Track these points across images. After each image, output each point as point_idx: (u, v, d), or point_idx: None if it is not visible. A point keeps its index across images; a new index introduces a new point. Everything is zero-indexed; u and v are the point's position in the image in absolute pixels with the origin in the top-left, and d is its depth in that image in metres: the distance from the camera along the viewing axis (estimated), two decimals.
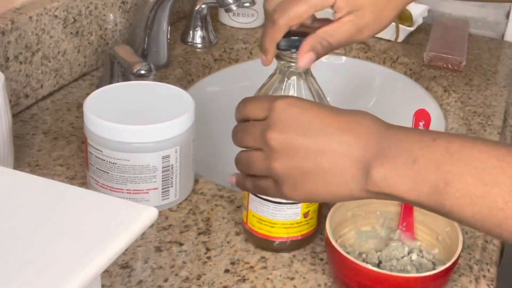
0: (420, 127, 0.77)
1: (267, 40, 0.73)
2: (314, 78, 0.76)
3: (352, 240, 0.78)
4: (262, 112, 0.65)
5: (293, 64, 0.72)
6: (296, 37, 0.72)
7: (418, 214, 0.77)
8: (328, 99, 0.78)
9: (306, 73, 0.74)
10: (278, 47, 0.72)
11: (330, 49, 0.75)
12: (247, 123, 0.67)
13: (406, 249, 0.76)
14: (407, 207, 0.77)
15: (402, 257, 0.75)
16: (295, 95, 0.72)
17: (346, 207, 0.77)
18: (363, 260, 0.75)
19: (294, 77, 0.73)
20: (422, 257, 0.75)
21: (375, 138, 0.62)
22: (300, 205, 0.76)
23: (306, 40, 0.72)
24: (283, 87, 0.72)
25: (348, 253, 0.71)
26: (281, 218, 0.76)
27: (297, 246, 0.79)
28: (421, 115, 0.78)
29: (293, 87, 0.73)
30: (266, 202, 0.76)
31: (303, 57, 0.72)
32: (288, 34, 0.73)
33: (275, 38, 0.72)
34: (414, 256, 0.75)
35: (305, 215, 0.77)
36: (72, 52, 1.07)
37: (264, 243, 0.78)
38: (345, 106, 1.33)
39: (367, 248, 0.78)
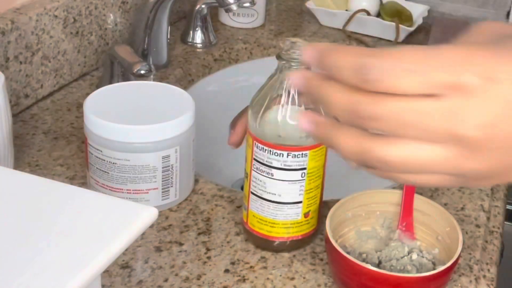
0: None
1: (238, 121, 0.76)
2: None
3: (352, 240, 0.78)
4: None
5: (293, 64, 0.71)
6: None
7: (418, 214, 0.77)
8: None
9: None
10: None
11: None
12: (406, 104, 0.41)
13: (406, 249, 0.76)
14: (407, 207, 0.77)
15: (402, 257, 0.75)
16: (296, 96, 0.72)
17: (346, 207, 0.77)
18: (363, 260, 0.75)
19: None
20: (422, 257, 0.75)
21: None
22: (301, 205, 0.76)
23: None
24: (284, 87, 0.72)
25: (348, 253, 0.71)
26: (282, 218, 0.76)
27: (297, 246, 0.79)
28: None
29: (296, 92, 0.72)
30: (267, 202, 0.76)
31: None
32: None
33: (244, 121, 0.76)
34: (414, 256, 0.75)
35: (306, 215, 0.77)
36: (72, 52, 1.07)
37: (264, 243, 0.78)
38: None
39: (367, 248, 0.78)
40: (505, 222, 0.94)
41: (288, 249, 0.78)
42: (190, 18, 1.25)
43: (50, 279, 0.50)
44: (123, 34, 1.16)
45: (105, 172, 0.80)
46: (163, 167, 0.80)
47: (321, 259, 0.78)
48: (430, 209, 0.77)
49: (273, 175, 0.74)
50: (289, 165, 0.74)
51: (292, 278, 0.75)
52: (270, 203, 0.76)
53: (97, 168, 0.81)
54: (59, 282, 0.50)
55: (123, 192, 0.81)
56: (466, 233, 0.83)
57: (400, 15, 1.33)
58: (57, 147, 0.94)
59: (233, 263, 0.76)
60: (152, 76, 0.97)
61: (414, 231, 0.77)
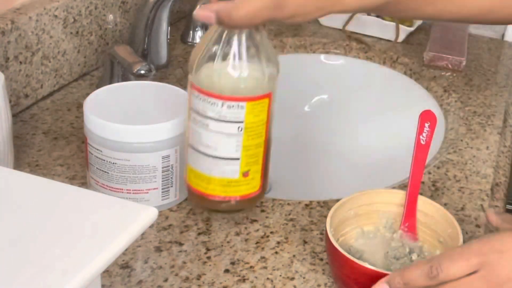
0: (425, 128, 0.77)
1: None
2: (264, 36, 0.73)
3: (353, 239, 0.78)
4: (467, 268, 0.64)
5: None
6: None
7: (421, 215, 0.77)
8: (279, 63, 0.75)
9: (251, 30, 0.71)
10: None
11: (230, 22, 0.68)
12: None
13: (407, 249, 0.76)
14: (410, 208, 0.77)
15: (402, 257, 0.75)
16: (235, 49, 0.70)
17: (349, 206, 0.77)
18: (363, 260, 0.75)
19: (236, 31, 0.71)
20: (423, 257, 0.75)
21: None
22: (238, 162, 0.74)
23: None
24: (222, 40, 0.70)
25: (348, 252, 0.71)
26: (218, 174, 0.74)
27: (237, 207, 0.77)
28: (427, 117, 0.78)
29: (236, 41, 0.70)
30: (203, 156, 0.73)
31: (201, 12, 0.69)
32: None
33: None
34: (414, 257, 0.75)
35: (245, 174, 0.75)
36: (72, 52, 1.07)
37: (202, 201, 0.76)
38: (345, 106, 1.34)
39: (369, 247, 0.78)
40: None
41: (226, 210, 0.76)
42: (190, 18, 1.26)
43: (50, 279, 0.50)
44: (123, 34, 1.16)
45: (105, 172, 0.80)
46: (163, 167, 0.80)
47: (321, 259, 0.78)
48: (432, 210, 0.77)
49: (208, 126, 0.73)
50: (224, 116, 0.72)
51: (292, 278, 0.75)
52: (205, 156, 0.74)
53: (97, 168, 0.81)
54: (59, 282, 0.50)
55: (123, 192, 0.81)
56: (466, 233, 0.83)
57: None
58: (57, 147, 0.94)
59: (233, 263, 0.76)
60: (152, 76, 0.97)
61: (417, 232, 0.77)
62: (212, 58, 0.71)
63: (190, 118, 0.74)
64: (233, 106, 0.71)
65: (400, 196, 0.78)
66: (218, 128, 0.72)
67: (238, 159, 0.74)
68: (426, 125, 0.77)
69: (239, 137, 0.73)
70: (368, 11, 0.79)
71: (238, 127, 0.72)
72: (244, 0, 0.67)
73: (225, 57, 0.71)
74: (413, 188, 0.76)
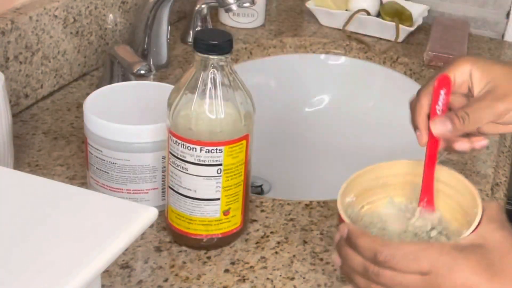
0: (441, 96, 0.74)
1: (419, 119, 0.74)
2: (235, 73, 0.74)
3: (381, 208, 0.76)
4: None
5: (211, 57, 0.71)
6: (216, 42, 0.71)
7: (442, 185, 0.74)
8: (251, 98, 0.75)
9: (225, 67, 0.72)
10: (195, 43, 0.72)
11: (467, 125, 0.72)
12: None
13: (429, 227, 0.73)
14: (427, 181, 0.73)
15: (421, 234, 0.73)
16: (212, 87, 0.71)
17: (376, 174, 0.74)
18: (385, 230, 0.73)
19: (213, 70, 0.72)
20: (442, 233, 0.73)
21: None
22: (219, 202, 0.75)
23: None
24: (199, 81, 0.71)
25: (371, 219, 0.70)
26: (199, 214, 0.75)
27: (218, 244, 0.78)
28: (442, 83, 0.74)
29: (211, 80, 0.72)
30: (183, 197, 0.75)
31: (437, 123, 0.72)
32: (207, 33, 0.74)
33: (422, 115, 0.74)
34: (433, 233, 0.73)
35: (225, 212, 0.76)
36: (72, 52, 1.07)
37: (184, 239, 0.77)
38: (345, 106, 1.34)
39: (393, 219, 0.75)
40: None
41: (206, 247, 0.77)
42: (190, 18, 1.25)
43: (50, 279, 0.50)
44: (123, 34, 1.16)
45: (105, 172, 0.80)
46: (163, 167, 0.80)
47: (321, 259, 0.78)
48: (453, 180, 0.74)
49: (187, 170, 0.74)
50: (203, 160, 0.73)
51: (292, 278, 0.75)
52: (186, 198, 0.75)
53: (97, 168, 0.81)
54: (59, 282, 0.50)
55: (123, 192, 0.81)
56: None
57: (400, 15, 1.33)
58: (57, 147, 0.94)
59: (233, 263, 0.76)
60: (152, 76, 0.97)
61: (434, 204, 0.74)
62: (188, 103, 0.72)
63: (169, 162, 0.75)
64: (211, 150, 0.72)
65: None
66: (197, 171, 0.74)
67: (218, 199, 0.75)
68: (442, 92, 0.73)
69: (218, 179, 0.74)
70: None
71: (217, 170, 0.73)
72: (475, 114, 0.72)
73: (201, 101, 0.72)
74: (429, 160, 0.73)
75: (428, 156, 0.73)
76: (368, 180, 0.74)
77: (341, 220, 0.69)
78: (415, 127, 0.74)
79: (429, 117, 0.73)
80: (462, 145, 0.75)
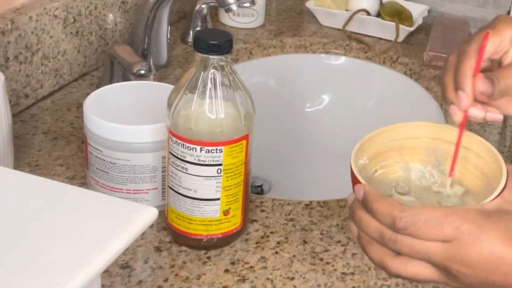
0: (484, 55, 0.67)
1: (467, 80, 0.67)
2: (235, 73, 0.74)
3: (396, 173, 0.72)
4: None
5: (211, 57, 0.71)
6: (216, 42, 0.71)
7: (462, 150, 0.70)
8: (251, 97, 0.75)
9: (225, 67, 0.72)
10: (196, 42, 0.72)
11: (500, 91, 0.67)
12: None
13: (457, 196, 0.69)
14: (456, 154, 0.69)
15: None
16: (212, 87, 0.71)
17: (391, 135, 0.70)
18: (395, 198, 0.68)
19: (213, 70, 0.72)
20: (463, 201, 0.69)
21: None
22: (219, 202, 0.75)
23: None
24: (199, 81, 0.72)
25: (386, 185, 0.66)
26: (199, 214, 0.76)
27: (217, 245, 0.78)
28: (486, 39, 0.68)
29: (211, 80, 0.72)
30: (183, 197, 0.75)
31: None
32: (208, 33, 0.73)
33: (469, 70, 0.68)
34: (454, 200, 0.69)
35: (225, 212, 0.76)
36: (72, 52, 1.07)
37: (184, 239, 0.77)
38: (345, 106, 1.34)
39: (409, 188, 0.71)
40: None
41: (206, 247, 0.77)
42: (190, 18, 1.25)
43: (50, 279, 0.50)
44: (123, 34, 1.16)
45: (105, 172, 0.80)
46: (163, 167, 0.80)
47: (321, 259, 0.78)
48: (474, 144, 0.70)
49: (187, 170, 0.74)
50: (203, 160, 0.73)
51: (292, 278, 0.75)
52: (186, 198, 0.75)
53: (97, 168, 0.81)
54: (59, 282, 0.50)
55: (123, 192, 0.81)
56: None
57: (400, 15, 1.33)
58: (57, 147, 0.94)
59: (233, 263, 0.76)
60: (152, 76, 0.97)
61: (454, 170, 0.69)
62: (188, 103, 0.72)
63: (169, 162, 0.75)
64: (211, 150, 0.72)
65: (450, 132, 0.70)
66: (197, 171, 0.74)
67: (218, 199, 0.75)
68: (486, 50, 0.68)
69: (218, 179, 0.74)
70: None
71: (217, 170, 0.73)
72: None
73: (201, 101, 0.72)
74: (463, 128, 0.69)
75: (463, 123, 0.69)
76: (382, 142, 0.70)
77: (355, 181, 0.64)
78: (452, 97, 0.68)
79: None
80: (476, 111, 0.69)
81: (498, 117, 0.70)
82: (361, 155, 0.68)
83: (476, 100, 0.68)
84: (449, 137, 0.71)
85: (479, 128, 1.07)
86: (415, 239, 0.59)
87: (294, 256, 0.78)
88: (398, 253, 0.61)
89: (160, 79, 1.11)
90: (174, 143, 0.74)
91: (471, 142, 0.71)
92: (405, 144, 0.71)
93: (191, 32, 1.25)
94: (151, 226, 0.79)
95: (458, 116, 0.69)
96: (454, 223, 0.59)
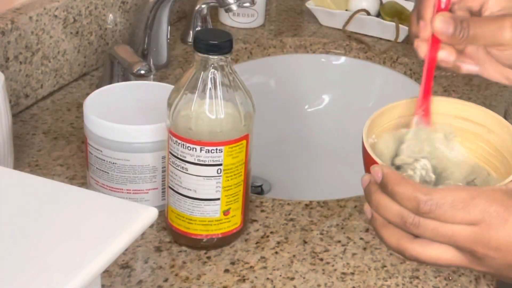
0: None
1: (426, 10, 0.66)
2: (235, 73, 0.74)
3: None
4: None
5: (211, 57, 0.71)
6: (216, 42, 0.71)
7: (476, 127, 0.69)
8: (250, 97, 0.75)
9: (225, 67, 0.73)
10: (196, 42, 0.72)
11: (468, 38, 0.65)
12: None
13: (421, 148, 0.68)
14: (427, 86, 0.69)
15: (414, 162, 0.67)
16: (212, 87, 0.71)
17: (398, 112, 0.69)
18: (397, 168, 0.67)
19: (213, 70, 0.72)
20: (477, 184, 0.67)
21: None
22: (219, 202, 0.75)
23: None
24: (199, 81, 0.72)
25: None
26: (199, 214, 0.76)
27: (217, 245, 0.78)
28: None
29: (211, 80, 0.72)
30: (183, 197, 0.75)
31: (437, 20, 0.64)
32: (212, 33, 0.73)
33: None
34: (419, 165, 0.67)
35: (225, 212, 0.76)
36: (72, 52, 1.07)
37: (184, 239, 0.77)
38: (345, 106, 1.34)
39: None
40: None
41: (206, 247, 0.78)
42: (190, 18, 1.25)
43: (50, 279, 0.50)
44: (123, 34, 1.16)
45: (105, 172, 0.80)
46: (163, 167, 0.80)
47: (321, 259, 0.78)
48: (489, 120, 0.68)
49: (187, 170, 0.74)
50: (203, 160, 0.73)
51: (292, 278, 0.75)
52: (186, 198, 0.75)
53: (97, 168, 0.81)
54: (59, 282, 0.50)
55: (123, 192, 0.81)
56: None
57: (400, 15, 1.33)
58: (57, 147, 0.94)
59: (233, 263, 0.76)
60: (152, 76, 0.97)
61: (431, 119, 0.69)
62: (188, 103, 0.72)
63: (169, 162, 0.75)
64: (211, 150, 0.72)
65: (459, 107, 0.69)
66: (197, 171, 0.74)
67: (218, 199, 0.75)
68: None
69: (218, 179, 0.74)
70: None
71: (217, 170, 0.73)
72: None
73: (201, 101, 0.72)
74: (430, 62, 0.69)
75: (430, 57, 0.67)
76: (389, 119, 0.69)
77: (369, 161, 0.62)
78: (416, 30, 0.67)
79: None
80: (446, 54, 0.68)
81: (473, 68, 0.69)
82: (370, 134, 0.67)
83: (449, 45, 0.67)
84: (458, 112, 0.69)
85: None
86: (439, 222, 0.57)
87: (294, 256, 0.78)
88: (416, 236, 0.59)
89: (160, 79, 1.11)
90: (174, 143, 0.74)
91: (482, 116, 0.69)
92: (412, 120, 0.70)
93: (191, 32, 1.25)
94: (151, 226, 0.79)
95: (422, 50, 0.68)
96: (481, 205, 0.57)
